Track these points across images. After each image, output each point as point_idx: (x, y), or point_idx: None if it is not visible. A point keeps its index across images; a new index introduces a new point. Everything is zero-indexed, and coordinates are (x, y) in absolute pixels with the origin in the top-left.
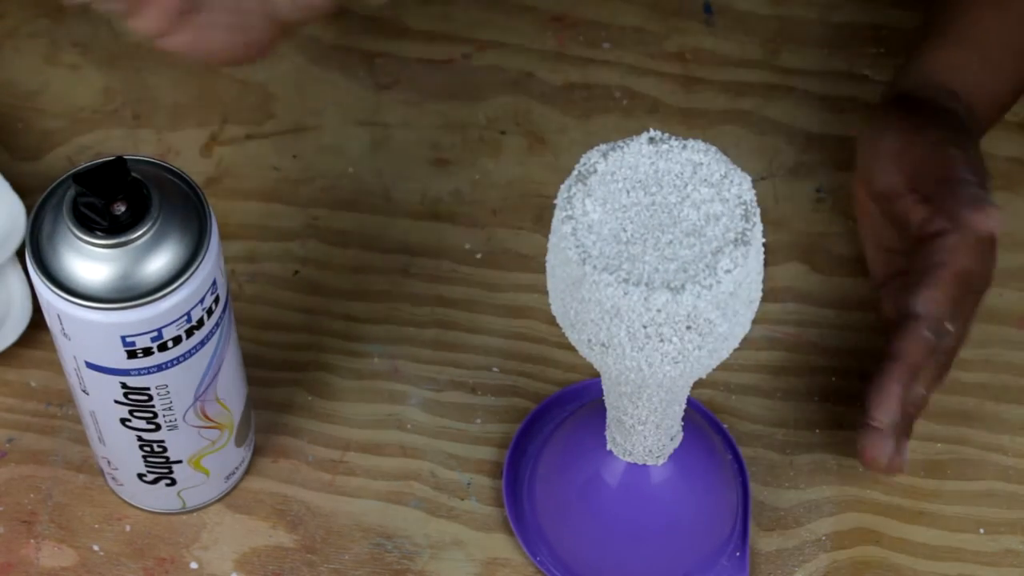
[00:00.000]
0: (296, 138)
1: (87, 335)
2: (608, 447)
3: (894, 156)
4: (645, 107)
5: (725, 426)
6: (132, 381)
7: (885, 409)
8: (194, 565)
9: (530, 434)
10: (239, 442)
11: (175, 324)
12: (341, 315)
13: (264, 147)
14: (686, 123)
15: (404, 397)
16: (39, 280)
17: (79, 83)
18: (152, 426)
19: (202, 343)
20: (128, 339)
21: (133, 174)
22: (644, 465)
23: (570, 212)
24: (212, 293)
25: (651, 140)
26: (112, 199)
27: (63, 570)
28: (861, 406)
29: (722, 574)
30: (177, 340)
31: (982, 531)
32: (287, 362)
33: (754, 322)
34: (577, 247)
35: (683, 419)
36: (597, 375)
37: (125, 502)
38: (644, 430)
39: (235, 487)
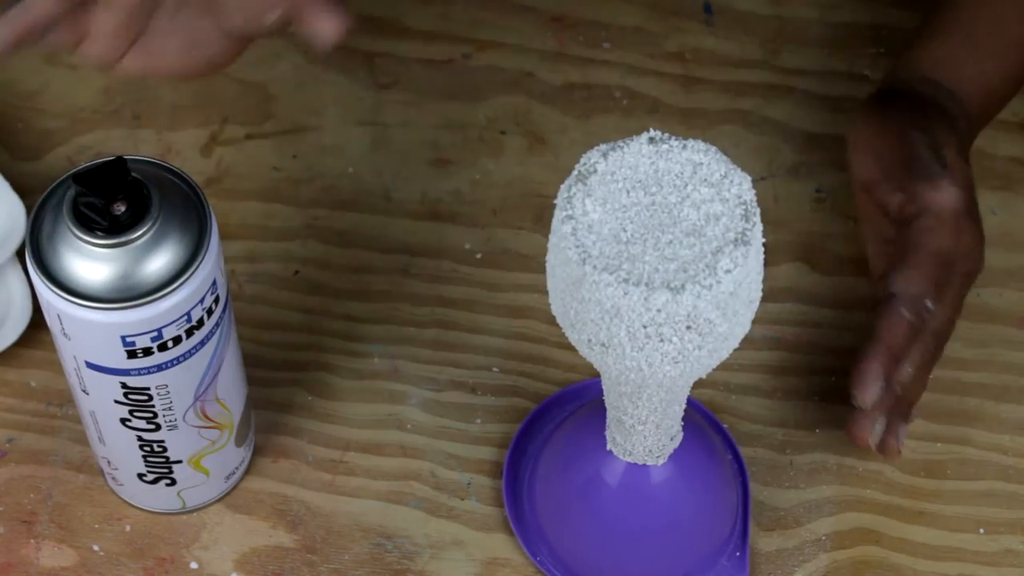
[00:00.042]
0: (296, 138)
1: (87, 335)
2: (608, 447)
3: (867, 147)
4: (645, 107)
5: (725, 426)
6: (132, 381)
7: (864, 387)
8: (194, 565)
9: (530, 434)
10: (239, 442)
11: (175, 324)
12: (341, 315)
13: (264, 147)
14: (686, 123)
15: (404, 397)
16: (39, 280)
17: (79, 83)
18: (152, 426)
19: (202, 343)
20: (128, 339)
21: (133, 174)
22: (644, 465)
23: (570, 212)
24: (212, 293)
25: (651, 140)
26: (112, 199)
27: (63, 570)
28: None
29: (722, 574)
30: (177, 340)
31: (982, 531)
32: (287, 362)
33: (754, 322)
34: (577, 247)
35: (683, 419)
36: (597, 375)
37: (125, 502)
38: (644, 430)
39: (235, 487)
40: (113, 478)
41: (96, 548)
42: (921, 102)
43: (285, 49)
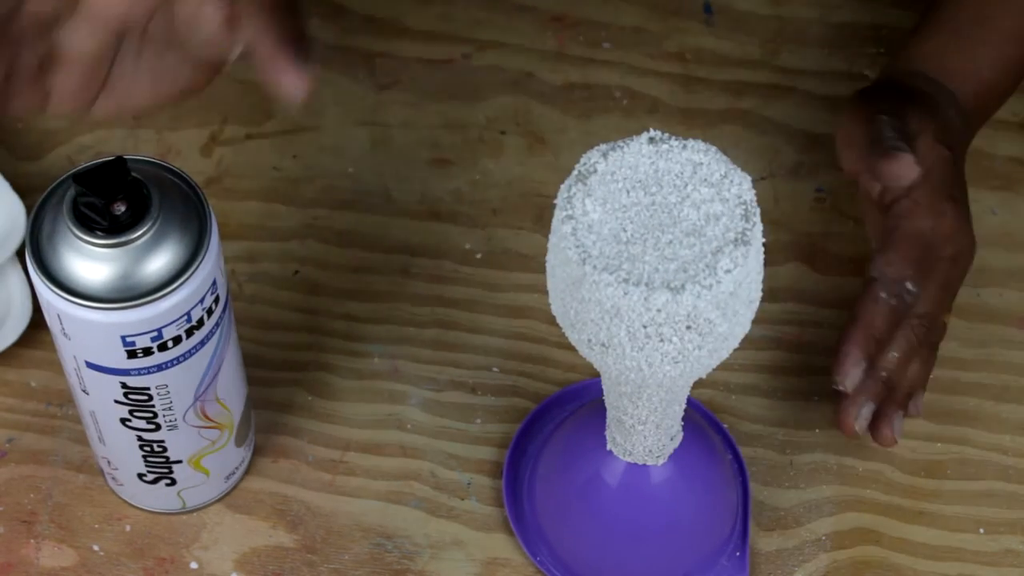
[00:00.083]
0: (296, 138)
1: (87, 335)
2: (608, 447)
3: (848, 139)
4: (645, 107)
5: (725, 426)
6: (132, 381)
7: (842, 369)
8: (194, 565)
9: (530, 434)
10: (239, 442)
11: (175, 324)
12: (341, 315)
13: (264, 147)
14: (686, 123)
15: (404, 397)
16: (39, 280)
17: None
18: (152, 426)
19: (202, 343)
20: (128, 339)
21: (133, 174)
22: (644, 465)
23: (570, 212)
24: (212, 293)
25: (651, 140)
26: (112, 199)
27: (63, 570)
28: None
29: (722, 574)
30: (177, 340)
31: (982, 531)
32: (287, 362)
33: (754, 322)
34: (577, 247)
35: (683, 419)
36: (597, 375)
37: (125, 502)
38: (644, 430)
39: (235, 487)
40: (113, 478)
41: (96, 548)
42: (905, 93)
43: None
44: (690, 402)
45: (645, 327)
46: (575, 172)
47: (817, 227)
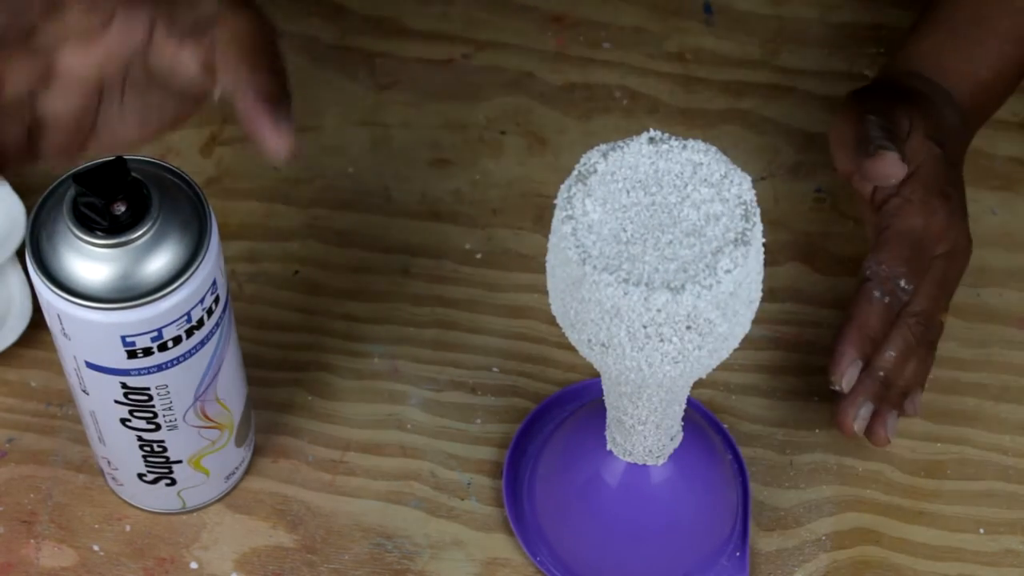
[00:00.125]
0: (296, 138)
1: (87, 335)
2: (608, 447)
3: (838, 139)
4: (645, 107)
5: (725, 426)
6: (132, 381)
7: (837, 369)
8: (194, 565)
9: (530, 434)
10: (239, 442)
11: (175, 324)
12: (341, 315)
13: None
14: (686, 123)
15: (404, 397)
16: (39, 280)
17: None
18: (152, 426)
19: (202, 343)
20: (128, 339)
21: (133, 174)
22: (644, 465)
23: (570, 212)
24: (212, 293)
25: (651, 140)
26: (112, 199)
27: (63, 570)
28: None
29: (722, 574)
30: (177, 340)
31: (982, 531)
32: (287, 362)
33: (754, 322)
34: (577, 247)
35: (683, 419)
36: (597, 375)
37: (125, 502)
38: (644, 430)
39: (235, 487)
40: (113, 478)
41: (96, 548)
42: (898, 92)
43: (285, 49)
44: (690, 402)
45: (645, 327)
46: (575, 172)
47: (816, 227)
